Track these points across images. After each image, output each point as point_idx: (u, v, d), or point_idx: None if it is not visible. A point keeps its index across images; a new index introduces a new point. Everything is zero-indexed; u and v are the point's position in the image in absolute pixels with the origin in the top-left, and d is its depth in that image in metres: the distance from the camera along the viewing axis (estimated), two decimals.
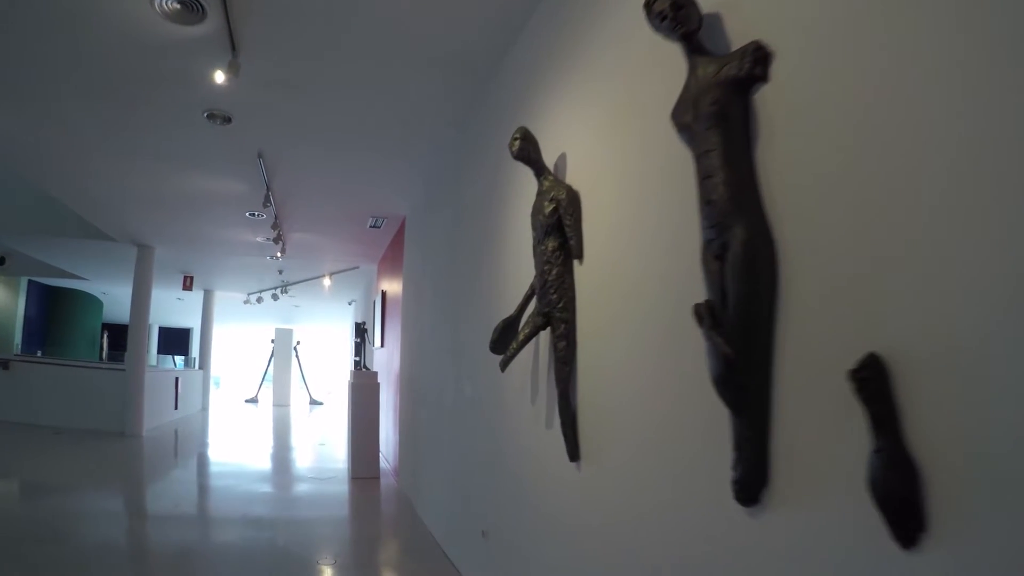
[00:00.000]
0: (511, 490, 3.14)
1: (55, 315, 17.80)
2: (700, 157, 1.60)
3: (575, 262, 2.46)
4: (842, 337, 1.26)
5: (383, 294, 9.43)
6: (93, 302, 19.36)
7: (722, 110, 1.54)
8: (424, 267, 6.17)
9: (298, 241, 9.34)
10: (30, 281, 15.93)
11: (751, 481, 1.48)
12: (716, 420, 1.59)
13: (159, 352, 26.57)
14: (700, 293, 1.61)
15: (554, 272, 2.46)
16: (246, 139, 5.23)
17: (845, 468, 1.22)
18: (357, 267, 11.79)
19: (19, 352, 14.09)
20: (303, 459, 9.10)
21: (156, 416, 11.85)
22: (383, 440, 7.96)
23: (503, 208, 3.47)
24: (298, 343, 21.13)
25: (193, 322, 21.16)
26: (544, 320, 2.49)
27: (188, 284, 13.80)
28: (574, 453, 2.38)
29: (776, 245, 1.45)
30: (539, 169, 2.65)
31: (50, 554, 4.12)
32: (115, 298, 18.73)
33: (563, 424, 2.41)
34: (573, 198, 2.46)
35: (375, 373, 7.76)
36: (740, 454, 1.51)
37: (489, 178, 3.83)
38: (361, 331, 8.41)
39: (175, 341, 26.92)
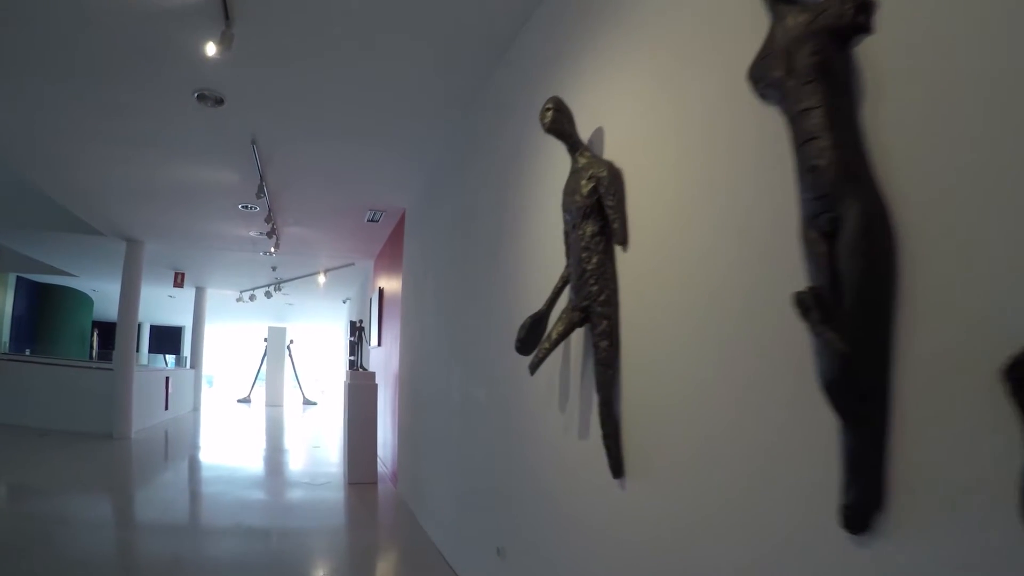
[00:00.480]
0: (535, 507, 2.82)
1: (44, 313, 17.42)
2: (797, 117, 1.32)
3: (617, 249, 2.16)
4: (982, 329, 1.03)
5: (380, 291, 9.11)
6: (83, 299, 18.96)
7: (825, 61, 1.27)
8: (426, 262, 5.86)
9: (293, 236, 9.01)
10: (18, 278, 15.55)
11: (865, 505, 1.20)
12: (812, 432, 1.32)
13: (150, 351, 26.17)
14: (779, 280, 1.37)
15: (594, 260, 2.14)
16: (239, 123, 4.90)
17: (988, 487, 1.00)
18: (353, 264, 11.46)
19: (7, 351, 13.71)
20: (297, 462, 8.76)
21: (146, 417, 11.50)
22: (381, 443, 7.63)
23: (525, 191, 3.16)
24: (291, 342, 20.76)
25: (185, 320, 20.78)
26: (581, 315, 2.18)
27: (179, 281, 13.43)
28: (617, 468, 2.07)
29: (894, 220, 1.18)
30: (574, 144, 2.34)
31: (25, 570, 3.79)
32: (105, 295, 18.34)
33: (605, 435, 2.10)
34: (615, 176, 2.15)
35: (372, 373, 7.44)
36: (854, 474, 1.23)
37: (506, 160, 3.51)
38: (357, 330, 8.08)
39: (167, 340, 26.51)
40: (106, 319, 24.06)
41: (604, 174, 2.15)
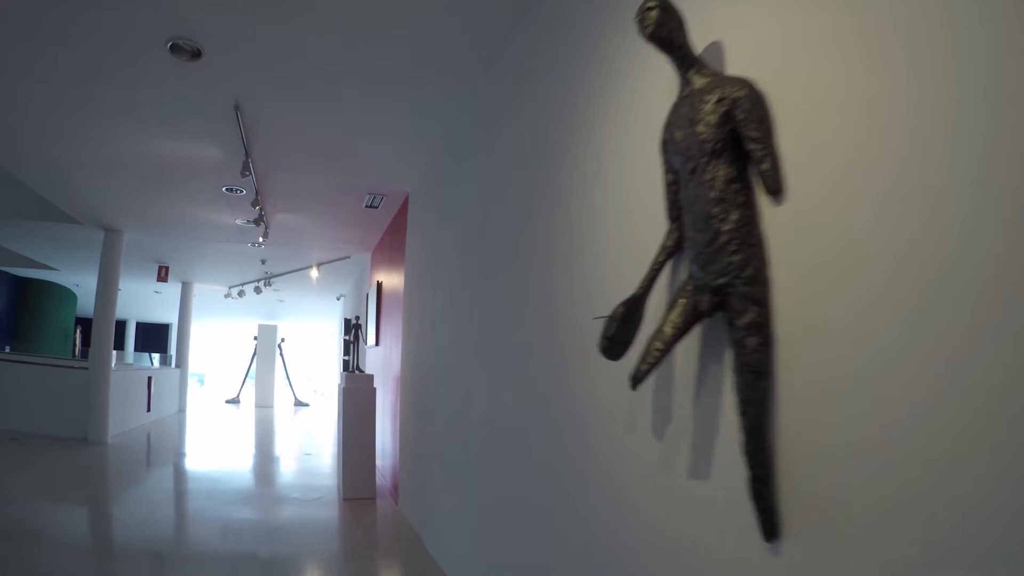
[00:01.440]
0: (617, 569, 2.09)
1: (25, 308, 16.61)
2: None
3: (764, 202, 1.45)
4: None
5: (378, 286, 8.38)
6: (66, 295, 18.12)
7: None
8: (436, 250, 5.14)
9: (283, 224, 8.27)
10: None
11: None
12: None
13: (136, 349, 25.35)
14: None
15: (732, 218, 1.43)
16: (219, 83, 4.17)
17: None
18: (348, 257, 10.73)
19: None
20: (287, 472, 8.01)
21: (125, 420, 10.74)
22: (379, 452, 6.90)
23: (585, 137, 2.44)
24: (282, 340, 19.99)
25: (172, 317, 19.96)
26: (713, 299, 1.47)
27: (163, 275, 12.64)
28: (771, 526, 1.36)
29: None
30: (685, 58, 1.62)
31: None
32: (89, 291, 17.41)
33: (753, 477, 1.38)
34: (757, 98, 1.44)
35: (371, 376, 6.71)
36: None
37: (550, 112, 2.81)
38: (353, 328, 7.34)
39: (153, 337, 25.67)
40: (90, 315, 23.27)
41: (742, 95, 1.44)
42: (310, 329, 26.65)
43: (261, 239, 8.20)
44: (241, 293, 14.43)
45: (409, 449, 5.78)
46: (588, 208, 2.38)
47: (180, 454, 8.94)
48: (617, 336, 1.72)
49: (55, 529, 4.81)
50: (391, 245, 7.71)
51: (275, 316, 21.24)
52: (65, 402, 9.44)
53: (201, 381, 34.08)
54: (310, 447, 10.27)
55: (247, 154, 5.23)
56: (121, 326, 23.65)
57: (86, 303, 19.86)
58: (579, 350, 2.35)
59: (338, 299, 17.25)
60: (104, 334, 9.41)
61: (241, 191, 6.63)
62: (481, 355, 3.60)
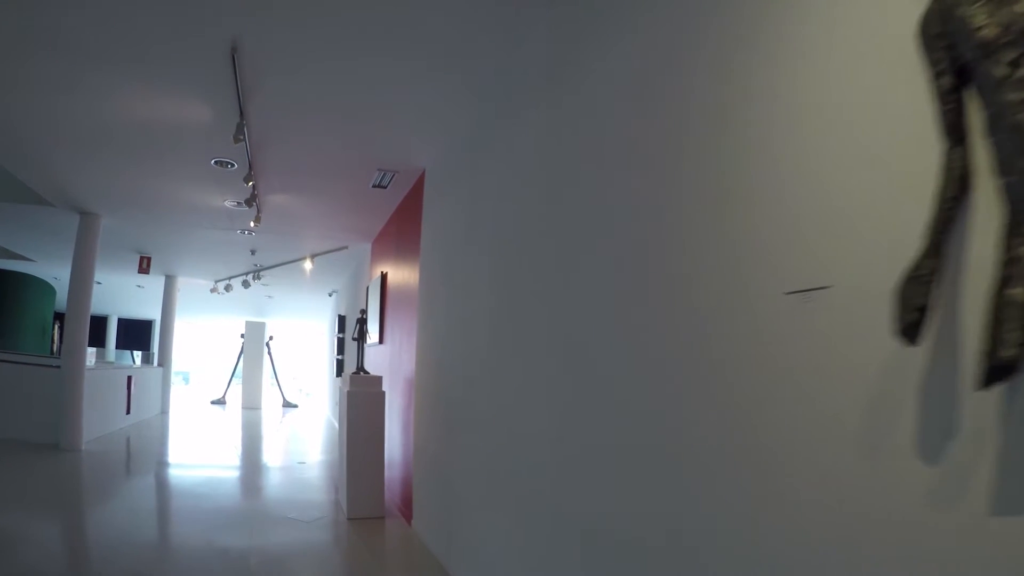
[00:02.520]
0: None
1: (1, 302, 15.65)
2: None
3: None
4: None
5: (383, 278, 7.56)
6: (44, 288, 17.08)
7: None
8: (468, 235, 4.33)
9: (277, 207, 7.43)
10: None
11: None
12: None
13: (118, 347, 24.29)
14: None
15: None
16: (214, 16, 3.36)
17: None
18: (346, 247, 9.90)
19: None
20: (279, 486, 7.15)
21: (101, 423, 9.87)
22: (386, 463, 6.08)
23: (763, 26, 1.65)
24: (271, 338, 19.07)
25: (156, 313, 18.96)
26: None
27: (145, 266, 11.73)
28: None
29: None
30: None
31: None
32: (68, 285, 16.54)
33: None
34: None
35: (379, 378, 5.89)
36: None
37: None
38: (358, 323, 6.50)
39: (136, 334, 24.57)
40: None
41: None
42: (298, 327, 25.75)
43: (252, 224, 7.36)
44: (228, 288, 13.56)
45: (426, 462, 4.98)
46: (771, 134, 1.59)
47: (161, 463, 8.07)
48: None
49: (9, 560, 3.97)
50: (400, 232, 6.89)
51: (263, 313, 20.32)
52: (36, 404, 8.58)
53: (186, 380, 33.08)
54: (302, 453, 9.42)
55: (242, 114, 4.41)
56: (102, 322, 22.69)
57: (65, 298, 18.90)
58: (760, 337, 1.56)
59: (330, 295, 16.39)
60: (78, 328, 8.54)
61: (232, 165, 5.80)
62: (556, 357, 2.79)
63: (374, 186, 6.44)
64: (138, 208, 7.89)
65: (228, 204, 7.25)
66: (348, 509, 5.47)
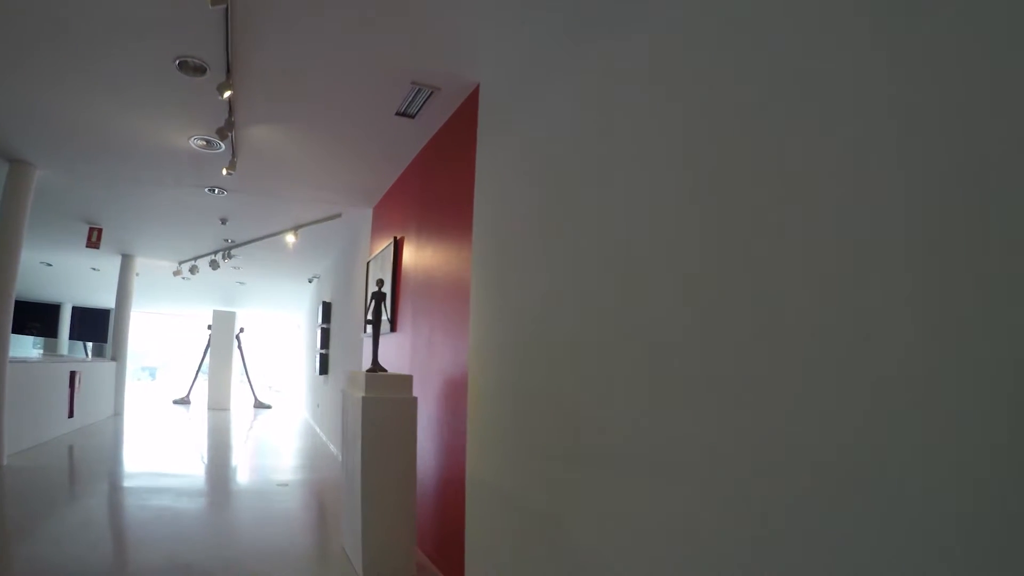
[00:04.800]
0: None
1: None
2: None
3: None
4: None
5: (396, 245, 5.78)
6: None
7: None
8: (609, 148, 2.58)
9: (258, 148, 5.58)
10: None
11: None
12: None
13: (72, 337, 22.00)
14: None
15: None
16: None
17: None
18: (339, 215, 8.06)
19: None
20: (257, 523, 5.29)
21: (34, 430, 7.95)
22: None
23: None
24: (241, 330, 17.07)
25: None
26: None
27: (95, 239, 9.69)
28: None
29: None
30: None
31: None
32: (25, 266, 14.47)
33: None
34: None
35: (408, 378, 4.10)
36: None
37: None
38: (374, 300, 4.63)
39: (92, 324, 22.19)
40: (21, 297, 19.99)
41: None
42: (270, 319, 23.75)
43: (224, 172, 5.54)
44: (194, 269, 11.61)
45: (492, 499, 3.24)
46: None
47: (104, 483, 6.18)
48: None
49: None
50: (431, 178, 5.11)
51: (233, 302, 18.31)
52: None
53: (152, 375, 30.84)
54: (281, 471, 7.57)
55: None
56: (54, 310, 20.51)
57: (26, 282, 16.80)
58: None
59: (310, 281, 14.50)
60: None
61: (203, 67, 3.98)
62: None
63: (399, 114, 4.66)
64: (81, 152, 5.98)
65: (195, 143, 5.41)
66: (364, 568, 3.70)
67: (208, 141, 5.33)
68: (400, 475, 3.88)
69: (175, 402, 16.29)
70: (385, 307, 4.45)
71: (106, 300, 19.56)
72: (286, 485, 6.56)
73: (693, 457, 1.82)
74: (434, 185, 4.89)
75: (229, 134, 4.66)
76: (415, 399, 4.00)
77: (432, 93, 4.27)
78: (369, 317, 4.48)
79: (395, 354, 5.42)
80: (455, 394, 3.93)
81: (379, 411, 3.87)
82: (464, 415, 3.73)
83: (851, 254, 1.38)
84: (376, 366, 4.30)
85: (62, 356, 14.80)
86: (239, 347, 16.74)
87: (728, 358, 1.72)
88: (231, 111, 4.58)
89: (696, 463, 1.80)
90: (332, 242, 9.86)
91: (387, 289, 5.66)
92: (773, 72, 1.64)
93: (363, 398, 3.85)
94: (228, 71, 3.94)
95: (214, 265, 10.70)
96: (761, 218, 1.65)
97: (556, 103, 2.92)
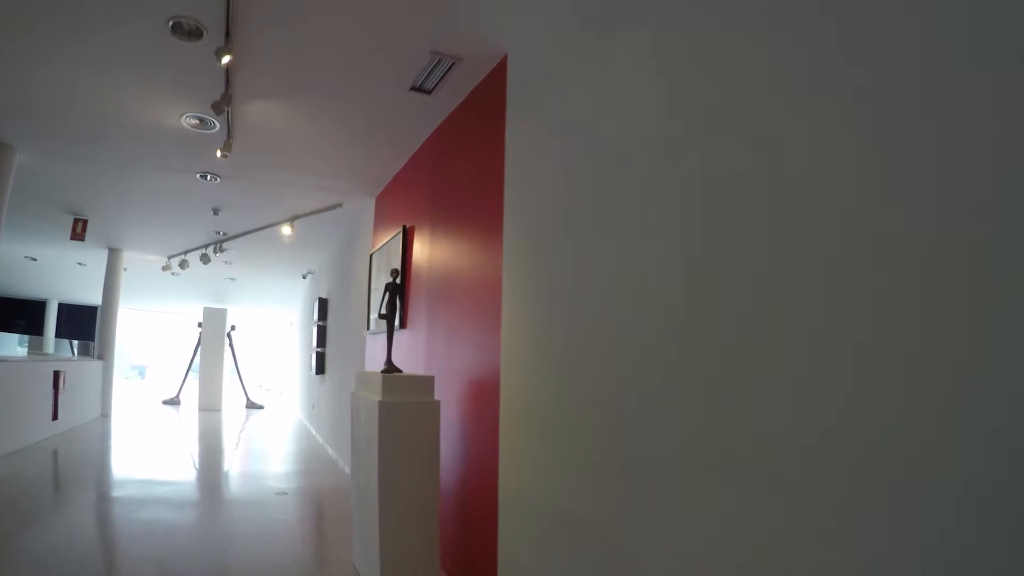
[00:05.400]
0: None
1: None
2: None
3: None
4: None
5: (405, 235, 5.36)
6: None
7: None
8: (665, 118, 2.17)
9: (256, 127, 5.13)
10: None
11: None
12: None
13: (59, 335, 21.39)
14: None
15: None
16: None
17: None
18: (340, 204, 7.61)
19: None
20: (256, 537, 4.84)
21: (15, 434, 7.49)
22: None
23: None
24: (232, 328, 16.57)
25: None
26: None
27: (80, 231, 9.21)
28: None
29: None
30: None
31: None
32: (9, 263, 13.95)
33: None
34: None
35: (429, 379, 3.67)
36: None
37: None
38: (389, 291, 4.18)
39: (79, 322, 21.56)
40: (5, 293, 19.36)
41: None
42: (262, 317, 23.24)
43: (219, 154, 5.09)
44: (183, 264, 11.12)
45: (531, 512, 2.83)
46: None
47: (86, 498, 5.73)
48: None
49: None
50: (444, 164, 4.68)
51: (224, 299, 17.80)
52: None
53: (142, 374, 30.27)
54: (278, 477, 7.13)
55: None
56: (40, 307, 19.97)
57: (10, 278, 16.23)
58: None
59: (304, 277, 14.02)
60: None
61: (199, 30, 3.54)
62: None
63: (414, 88, 4.23)
64: (65, 134, 5.51)
65: (187, 121, 4.96)
66: None
67: (202, 119, 4.88)
68: (422, 487, 3.46)
69: (164, 403, 15.77)
70: (402, 301, 4.00)
71: (94, 297, 18.96)
72: (285, 493, 6.12)
73: (778, 457, 1.42)
74: (452, 168, 4.47)
75: (226, 108, 4.22)
76: (438, 403, 3.57)
77: (453, 64, 3.85)
78: (383, 311, 4.02)
79: (406, 352, 4.99)
80: (482, 397, 3.51)
81: (398, 417, 3.44)
82: (495, 420, 3.31)
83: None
84: (391, 366, 3.87)
85: (47, 355, 14.31)
86: (230, 345, 16.25)
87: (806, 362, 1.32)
88: (229, 82, 4.14)
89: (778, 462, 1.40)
90: (329, 235, 9.41)
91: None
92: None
93: (380, 402, 3.42)
94: (227, 34, 3.50)
95: (205, 259, 10.21)
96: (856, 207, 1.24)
97: (608, 71, 2.50)
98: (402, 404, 3.47)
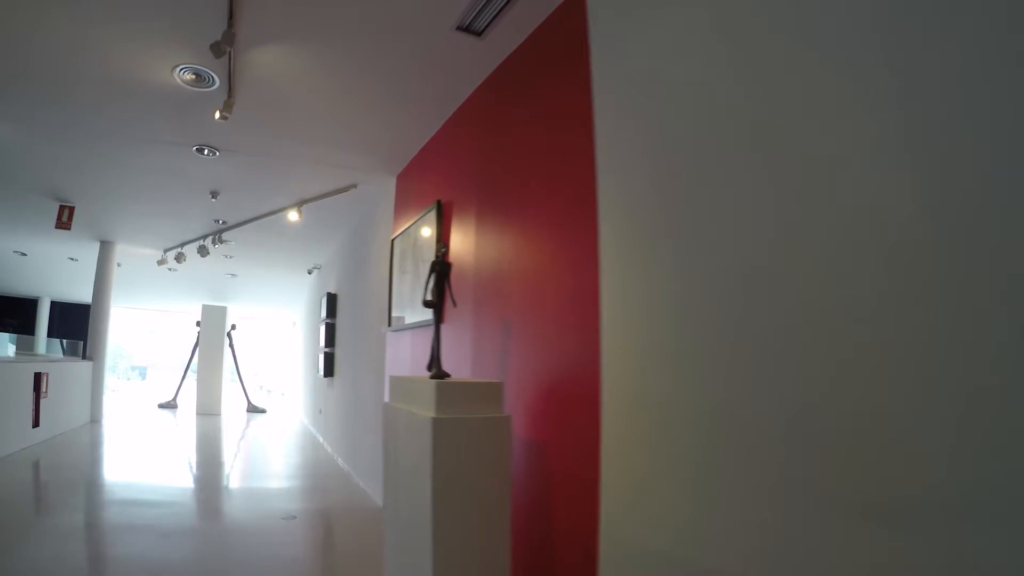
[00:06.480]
0: None
1: None
2: None
3: None
4: None
5: (442, 211, 4.53)
6: None
7: None
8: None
9: (263, 80, 4.25)
10: None
11: None
12: None
13: (51, 335, 20.52)
14: None
15: None
16: None
17: None
18: (353, 186, 6.76)
19: None
20: (271, 573, 4.03)
21: None
22: None
23: None
24: (232, 327, 15.72)
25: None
26: None
27: (66, 219, 8.33)
28: None
29: None
30: None
31: None
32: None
33: None
34: None
35: (498, 386, 2.83)
36: None
37: None
38: (434, 274, 3.29)
39: (73, 321, 20.70)
40: (8, 293, 18.48)
41: None
42: (263, 315, 22.41)
43: (218, 115, 4.25)
44: (180, 257, 10.25)
45: (654, 568, 1.99)
46: None
47: (67, 523, 4.89)
48: None
49: None
50: (495, 125, 3.84)
51: (223, 296, 16.94)
52: None
53: (142, 375, 29.58)
54: (284, 494, 6.29)
55: None
56: (31, 305, 19.14)
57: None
58: None
59: (310, 272, 13.18)
60: None
61: None
62: None
63: (460, 29, 3.39)
64: (40, 96, 4.66)
65: (181, 76, 4.12)
66: None
67: (198, 73, 4.05)
68: (489, 526, 2.62)
69: (160, 406, 14.91)
70: (449, 285, 3.16)
71: (88, 294, 18.14)
72: (294, 518, 5.27)
73: None
74: (507, 129, 3.63)
75: (228, 50, 3.37)
76: (509, 417, 2.73)
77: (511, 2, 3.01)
78: (428, 297, 3.18)
79: (447, 353, 4.15)
80: (572, 411, 2.67)
81: (458, 437, 2.60)
82: (595, 442, 2.47)
83: None
84: (440, 370, 3.03)
85: (36, 355, 13.47)
86: (230, 345, 15.40)
87: None
88: (232, 17, 3.30)
89: None
90: (339, 224, 8.57)
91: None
92: None
93: (434, 420, 2.58)
94: None
95: (203, 252, 9.35)
96: None
97: None
98: (462, 420, 2.63)
